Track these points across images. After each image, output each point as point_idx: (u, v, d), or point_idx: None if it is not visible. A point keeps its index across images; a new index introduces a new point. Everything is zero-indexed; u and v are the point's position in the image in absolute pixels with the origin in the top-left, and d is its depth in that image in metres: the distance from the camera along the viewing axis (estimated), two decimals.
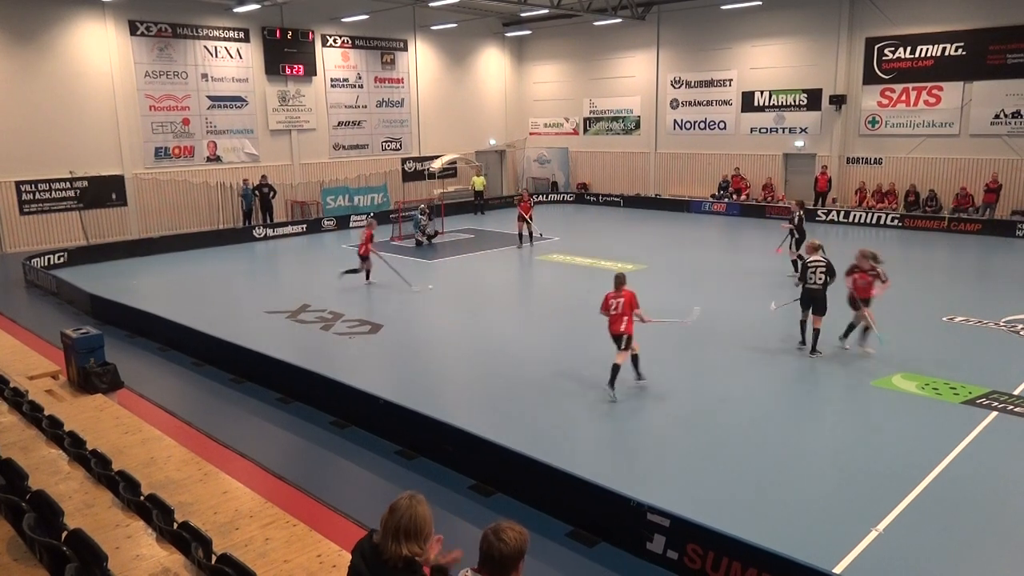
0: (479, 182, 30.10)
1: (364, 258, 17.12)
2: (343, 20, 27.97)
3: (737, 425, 9.22)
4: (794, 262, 16.49)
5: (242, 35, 26.14)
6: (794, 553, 5.66)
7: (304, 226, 26.08)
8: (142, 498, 5.48)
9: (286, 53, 27.07)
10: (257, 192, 25.59)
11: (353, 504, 7.26)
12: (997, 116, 23.31)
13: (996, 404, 9.56)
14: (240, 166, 26.43)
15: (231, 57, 26.03)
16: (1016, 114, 22.98)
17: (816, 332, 11.64)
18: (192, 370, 11.64)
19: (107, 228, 23.80)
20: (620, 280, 10.26)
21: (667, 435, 9.17)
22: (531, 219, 21.89)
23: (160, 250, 22.24)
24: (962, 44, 23.59)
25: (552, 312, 15.22)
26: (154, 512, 5.19)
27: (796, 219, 17.03)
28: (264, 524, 5.70)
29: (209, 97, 25.66)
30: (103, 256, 21.16)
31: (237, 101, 26.36)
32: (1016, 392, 9.95)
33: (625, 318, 9.96)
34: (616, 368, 9.98)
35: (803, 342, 11.94)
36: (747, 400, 10.13)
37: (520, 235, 21.91)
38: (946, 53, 23.95)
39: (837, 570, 6.03)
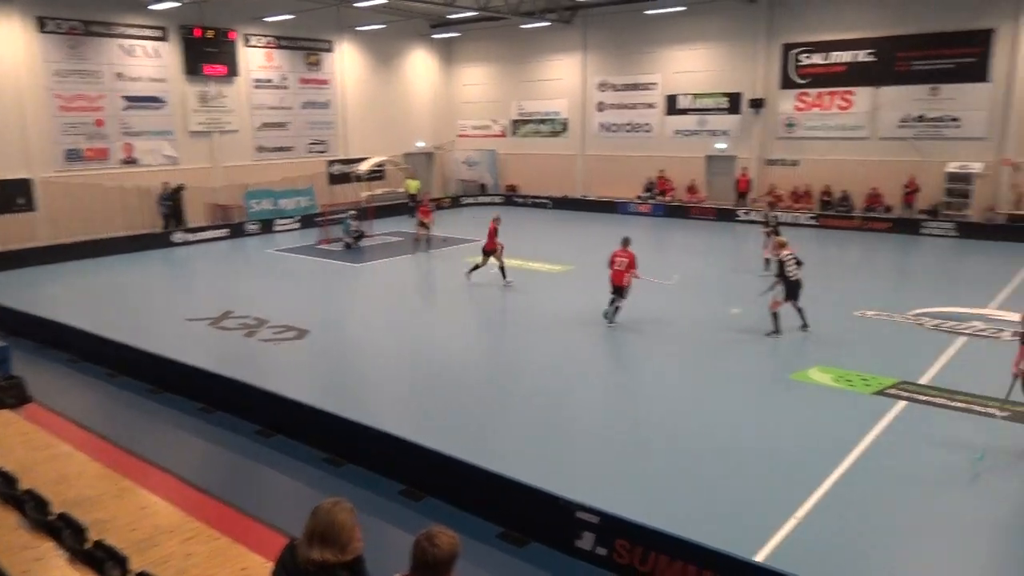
0: (413, 185, 29.89)
1: (489, 253, 16.65)
2: (266, 20, 27.36)
3: (662, 421, 9.42)
4: (767, 260, 17.23)
5: (159, 33, 25.27)
6: (718, 543, 5.82)
7: (227, 230, 25.39)
8: (52, 517, 5.24)
9: (206, 53, 26.29)
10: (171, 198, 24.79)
11: (280, 515, 7.10)
12: (904, 120, 24.48)
13: (904, 394, 10.04)
14: (158, 169, 25.53)
15: (148, 56, 25.12)
16: (921, 118, 24.18)
17: (800, 310, 12.79)
18: (107, 382, 11.18)
19: (14, 235, 22.61)
20: (626, 241, 13.38)
21: (594, 433, 9.28)
22: (430, 225, 21.73)
23: (72, 257, 21.29)
24: (872, 51, 24.70)
25: (481, 314, 15.24)
26: (65, 532, 4.97)
27: (772, 220, 17.99)
28: (185, 539, 5.54)
29: (125, 97, 24.71)
30: (9, 264, 20.11)
31: (154, 102, 25.46)
32: (922, 381, 10.47)
33: (626, 273, 12.97)
34: (616, 308, 13.21)
35: (805, 325, 12.85)
36: (670, 396, 10.36)
37: (417, 240, 21.83)
38: (857, 59, 25.03)
39: (759, 557, 6.23)
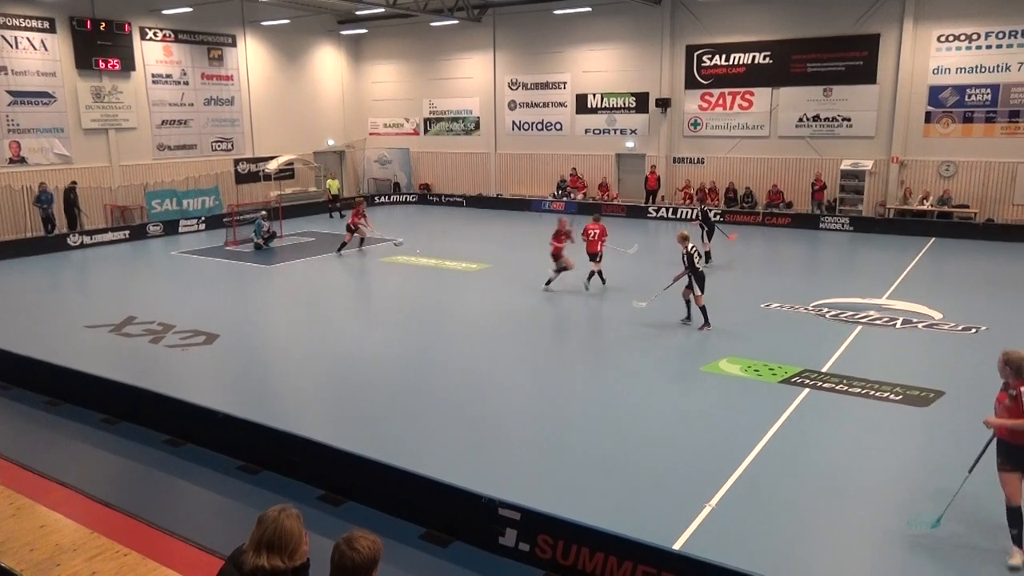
0: (334, 185, 29.37)
1: (557, 256, 15.97)
2: (163, 12, 26.28)
3: (579, 417, 9.57)
4: (707, 253, 17.88)
5: (47, 24, 23.88)
6: (636, 534, 5.96)
7: (127, 232, 24.25)
8: None
9: (99, 46, 25.02)
10: (66, 198, 23.52)
11: (193, 526, 6.84)
12: (800, 119, 25.66)
13: (808, 381, 10.53)
14: (49, 168, 24.16)
15: (34, 49, 23.71)
16: (816, 118, 25.40)
17: (688, 303, 13.34)
18: None
19: None
20: (598, 215, 16.76)
21: (512, 430, 9.35)
22: (361, 227, 20.80)
23: None
24: (769, 53, 25.77)
25: (397, 314, 15.10)
26: None
27: (702, 215, 18.91)
28: (90, 557, 5.28)
29: (9, 92, 23.25)
30: None
31: (43, 97, 24.06)
32: (824, 369, 11.01)
33: (599, 242, 15.65)
34: (592, 273, 15.68)
35: (688, 317, 13.42)
36: (586, 391, 10.54)
37: (347, 242, 20.84)
38: (756, 61, 26.07)
39: (676, 546, 6.41)
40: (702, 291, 13.02)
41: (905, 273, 17.63)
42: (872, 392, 10.11)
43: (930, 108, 23.70)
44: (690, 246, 12.96)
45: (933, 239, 22.04)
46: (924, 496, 7.45)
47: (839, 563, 6.53)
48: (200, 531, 6.69)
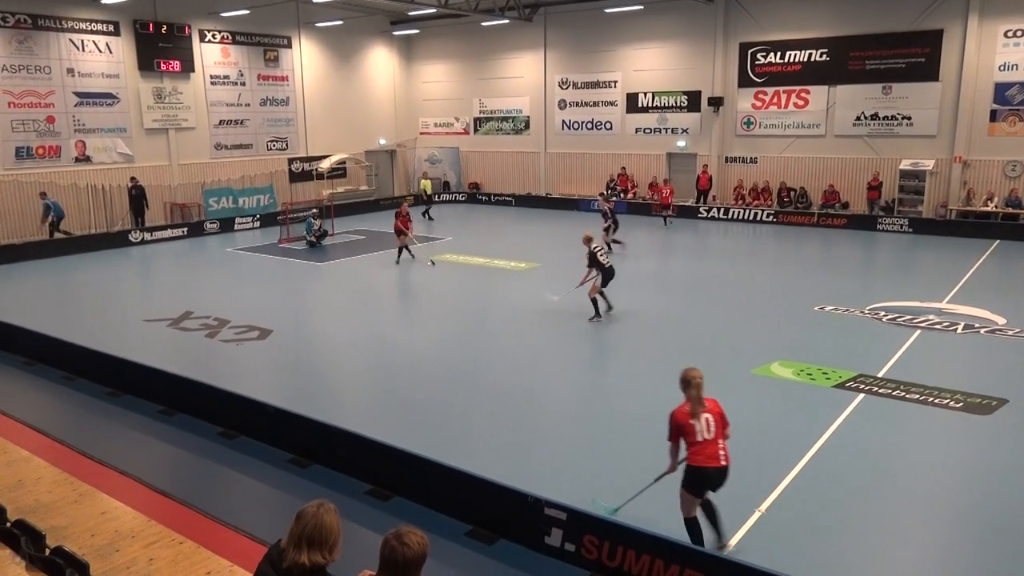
0: (428, 185, 29.47)
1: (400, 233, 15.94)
2: (222, 15, 26.91)
3: (626, 416, 9.49)
4: (610, 244, 18.66)
5: (111, 28, 24.69)
6: (684, 538, 5.89)
7: (185, 229, 24.94)
8: (8, 524, 5.09)
9: (161, 48, 25.78)
10: (130, 194, 24.31)
11: (244, 517, 7.00)
12: (858, 118, 25.02)
13: (863, 386, 10.26)
14: (113, 167, 24.98)
15: (100, 51, 24.54)
16: (874, 116, 24.73)
17: (605, 297, 13.81)
18: (63, 384, 10.91)
19: None
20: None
21: (563, 430, 9.33)
22: (409, 234, 19.39)
23: (25, 257, 20.75)
24: (826, 50, 25.18)
25: (445, 312, 15.20)
26: (23, 539, 4.84)
27: (608, 210, 19.67)
28: (147, 544, 5.44)
29: (76, 94, 24.11)
30: None
31: (107, 98, 24.89)
32: (880, 374, 10.71)
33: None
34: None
35: (610, 308, 13.87)
36: (634, 392, 10.44)
37: (402, 248, 19.44)
38: (812, 59, 25.50)
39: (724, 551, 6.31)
40: (604, 285, 13.51)
41: (967, 276, 17.04)
42: (931, 399, 9.80)
43: (995, 106, 22.86)
44: (594, 246, 13.52)
45: (998, 242, 21.27)
46: (980, 505, 7.20)
47: (891, 573, 6.34)
48: (251, 522, 6.83)
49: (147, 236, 23.77)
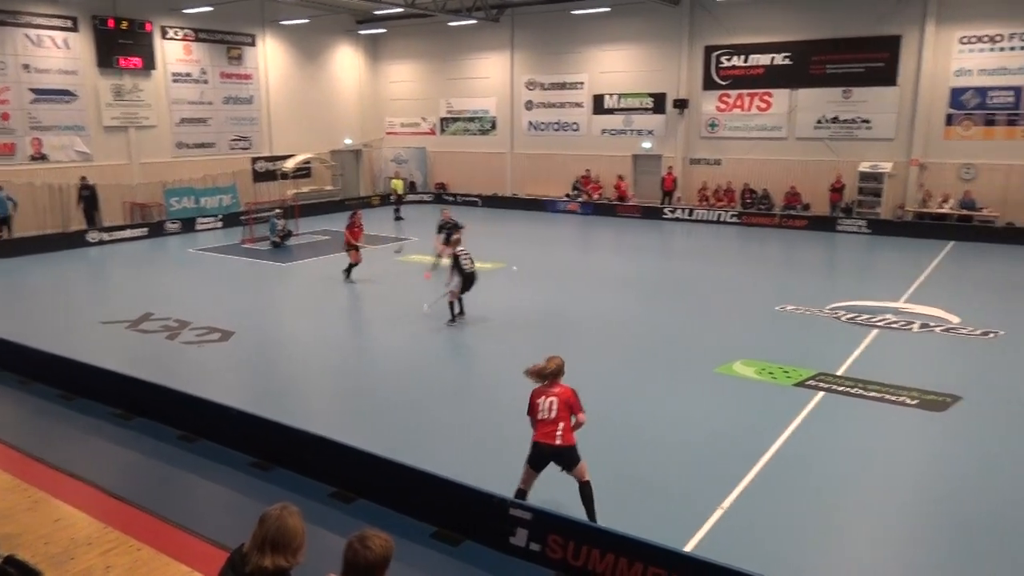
0: (399, 184, 29.29)
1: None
2: (184, 11, 26.49)
3: (590, 416, 9.51)
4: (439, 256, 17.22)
5: (70, 24, 24.15)
6: (647, 535, 5.93)
7: (145, 229, 24.48)
8: None
9: (121, 44, 25.27)
10: (81, 195, 23.76)
11: (205, 522, 6.89)
12: (819, 121, 25.47)
13: (823, 385, 10.44)
14: (71, 165, 24.41)
15: (57, 47, 23.98)
16: (835, 119, 25.20)
17: (461, 302, 13.64)
18: (17, 388, 10.62)
19: None
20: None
21: (526, 430, 9.32)
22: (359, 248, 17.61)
23: None
24: (788, 54, 25.60)
25: (412, 314, 15.11)
26: None
27: (451, 224, 17.29)
28: (104, 551, 5.33)
29: (32, 90, 23.53)
30: None
31: (65, 95, 24.33)
32: (839, 372, 10.91)
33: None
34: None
35: (459, 314, 13.68)
36: (598, 391, 10.48)
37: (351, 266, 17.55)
38: (774, 62, 25.90)
39: (688, 548, 6.38)
40: (464, 291, 13.46)
41: (923, 277, 17.44)
42: (888, 396, 10.01)
43: (951, 110, 23.44)
44: (459, 249, 13.50)
45: (952, 243, 21.79)
46: (937, 500, 7.37)
47: (851, 567, 6.46)
48: (213, 527, 6.73)
49: (105, 236, 23.28)
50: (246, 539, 3.32)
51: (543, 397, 6.69)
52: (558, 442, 6.55)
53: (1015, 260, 19.53)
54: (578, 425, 6.74)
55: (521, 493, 6.71)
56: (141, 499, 7.30)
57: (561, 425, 6.57)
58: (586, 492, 6.69)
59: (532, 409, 6.74)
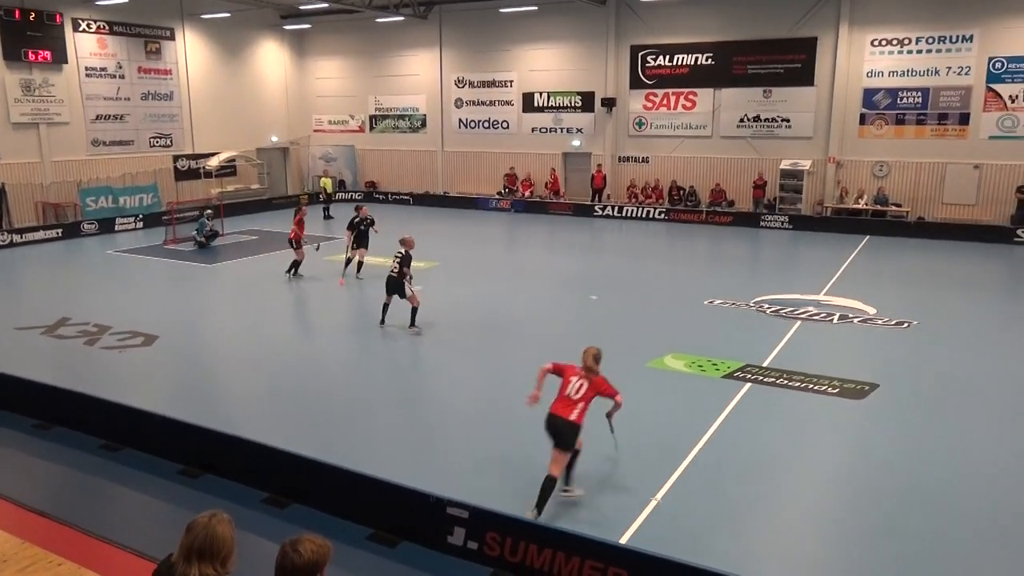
0: (328, 183, 28.80)
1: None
2: (97, 3, 25.42)
3: (521, 412, 9.57)
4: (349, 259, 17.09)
5: None
6: (583, 529, 6.02)
7: (59, 231, 23.42)
8: None
9: (29, 37, 24.06)
10: None
11: (130, 533, 6.65)
12: (742, 120, 26.21)
13: (750, 376, 10.78)
14: None
15: None
16: (756, 118, 25.97)
17: (413, 310, 12.96)
18: None
19: None
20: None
21: (459, 429, 9.33)
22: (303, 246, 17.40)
23: None
24: (711, 55, 26.25)
25: (341, 314, 14.92)
26: None
27: (367, 221, 17.31)
28: (21, 568, 5.10)
29: None
30: None
31: None
32: (764, 364, 11.27)
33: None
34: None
35: (383, 321, 13.16)
36: (529, 385, 10.55)
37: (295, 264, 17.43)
38: (698, 62, 26.52)
39: (623, 540, 6.49)
40: (399, 295, 12.94)
41: (842, 270, 18.16)
42: (811, 386, 10.40)
43: (864, 110, 24.47)
44: (404, 251, 13.00)
45: (868, 237, 22.76)
46: (860, 484, 7.71)
47: (781, 553, 6.70)
48: (139, 538, 6.50)
49: (16, 238, 22.17)
50: (174, 550, 3.23)
51: (576, 376, 7.09)
52: (572, 417, 6.89)
53: (926, 253, 20.54)
54: (617, 407, 7.23)
55: (551, 480, 6.87)
56: (62, 512, 7.00)
57: (580, 406, 6.94)
58: (547, 486, 6.82)
59: (563, 381, 7.13)
